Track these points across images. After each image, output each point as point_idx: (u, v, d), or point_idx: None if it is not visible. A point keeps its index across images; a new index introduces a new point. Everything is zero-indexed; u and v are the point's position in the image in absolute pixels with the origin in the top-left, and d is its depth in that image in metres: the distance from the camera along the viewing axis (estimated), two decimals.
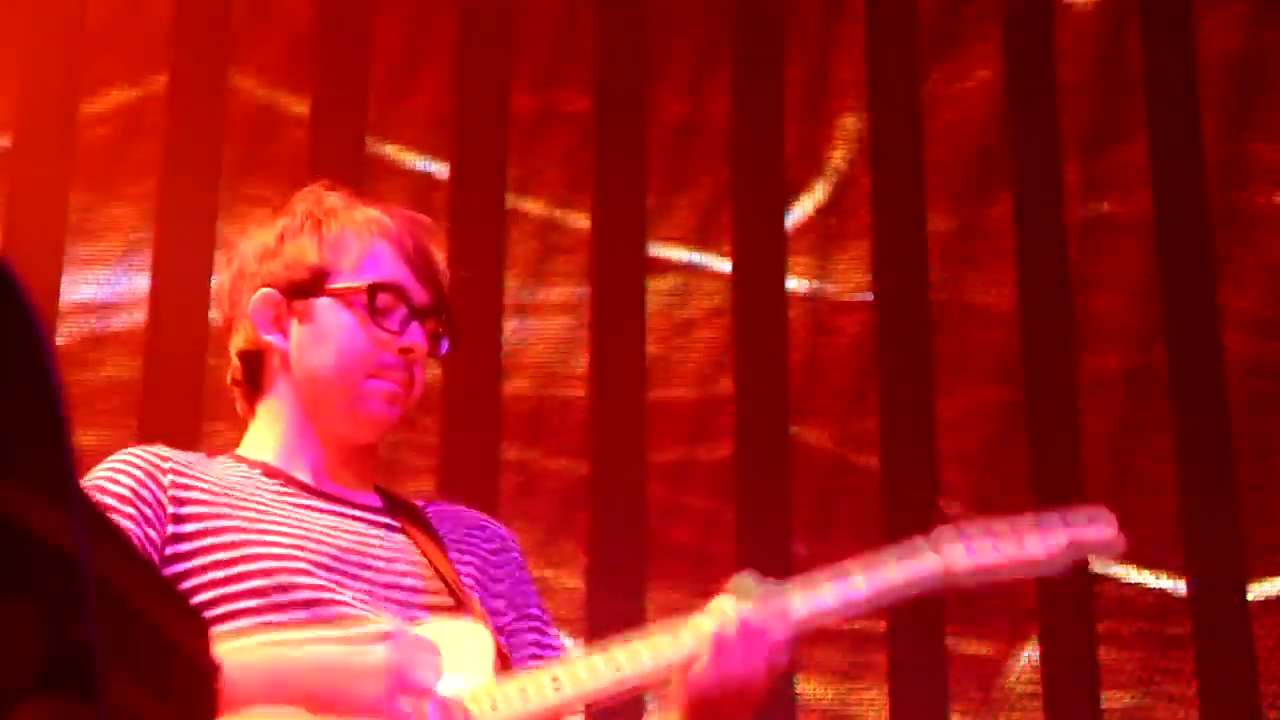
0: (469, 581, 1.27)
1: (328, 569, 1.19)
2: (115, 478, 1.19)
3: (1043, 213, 2.33)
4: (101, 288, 2.33)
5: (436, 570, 1.24)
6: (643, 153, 2.39)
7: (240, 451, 1.29)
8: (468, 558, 1.31)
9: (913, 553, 1.19)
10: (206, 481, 1.22)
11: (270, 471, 1.25)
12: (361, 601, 1.17)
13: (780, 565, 1.82)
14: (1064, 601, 2.11)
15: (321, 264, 1.23)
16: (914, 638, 2.13)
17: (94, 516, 0.46)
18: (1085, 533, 1.22)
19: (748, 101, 2.39)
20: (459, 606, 1.21)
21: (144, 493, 1.19)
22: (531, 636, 1.32)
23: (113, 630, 0.46)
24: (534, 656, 1.29)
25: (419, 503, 1.38)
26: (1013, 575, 1.23)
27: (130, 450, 1.25)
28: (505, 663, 1.21)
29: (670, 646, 1.14)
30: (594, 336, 2.32)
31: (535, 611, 1.34)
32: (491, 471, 2.24)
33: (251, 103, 2.44)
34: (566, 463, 2.31)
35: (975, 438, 2.30)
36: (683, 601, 1.86)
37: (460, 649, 1.18)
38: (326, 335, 1.23)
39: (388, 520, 1.27)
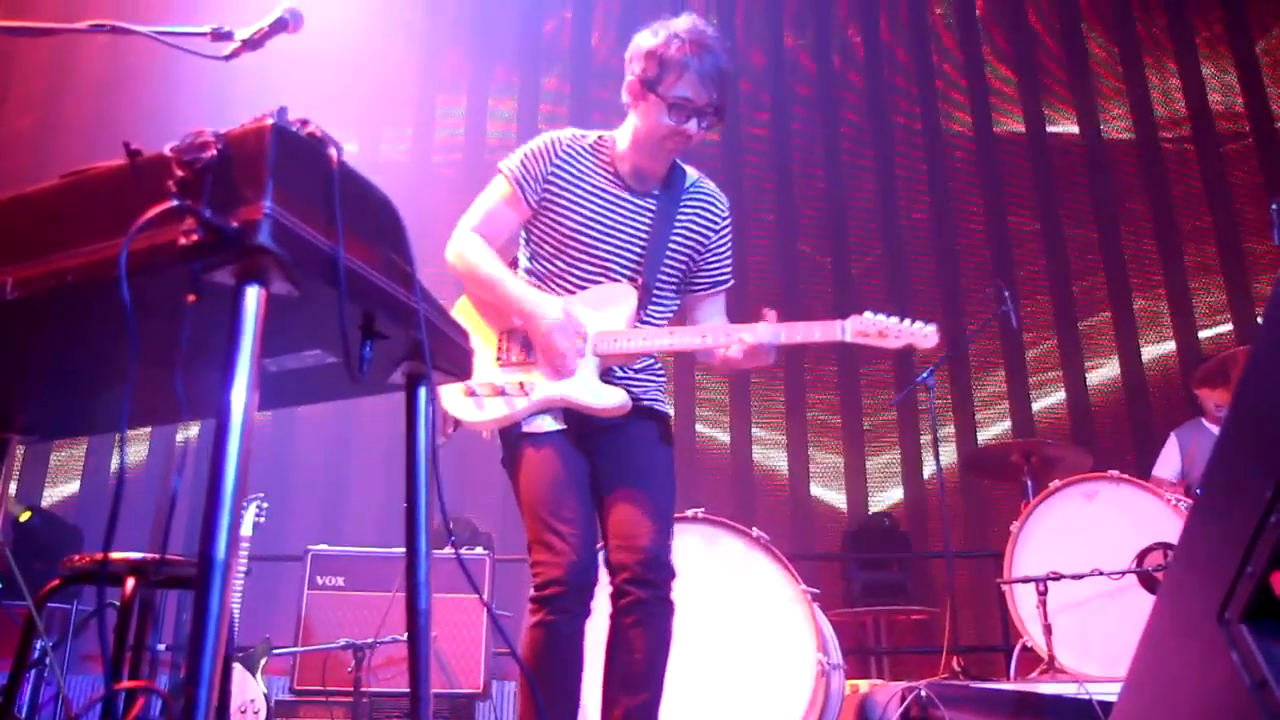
0: (679, 251, 2.32)
1: (592, 246, 2.26)
2: (525, 160, 2.28)
3: None
4: None
5: (649, 247, 2.28)
6: None
7: (620, 132, 2.34)
8: (691, 235, 2.34)
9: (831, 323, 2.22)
10: (571, 176, 2.28)
11: (615, 160, 2.32)
12: (596, 267, 2.26)
13: None
14: None
15: (653, 78, 2.24)
16: None
17: (425, 292, 1.18)
18: (921, 339, 2.22)
19: None
20: (635, 278, 2.26)
21: (532, 173, 2.28)
22: (710, 303, 2.42)
23: (429, 335, 1.19)
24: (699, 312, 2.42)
25: (695, 180, 2.40)
26: (875, 348, 2.24)
27: (543, 139, 2.31)
28: (637, 317, 2.24)
29: (723, 335, 2.26)
30: None
31: (723, 282, 2.41)
32: None
33: None
34: None
35: None
36: None
37: (612, 304, 2.23)
38: (648, 117, 2.28)
39: (651, 206, 2.31)
